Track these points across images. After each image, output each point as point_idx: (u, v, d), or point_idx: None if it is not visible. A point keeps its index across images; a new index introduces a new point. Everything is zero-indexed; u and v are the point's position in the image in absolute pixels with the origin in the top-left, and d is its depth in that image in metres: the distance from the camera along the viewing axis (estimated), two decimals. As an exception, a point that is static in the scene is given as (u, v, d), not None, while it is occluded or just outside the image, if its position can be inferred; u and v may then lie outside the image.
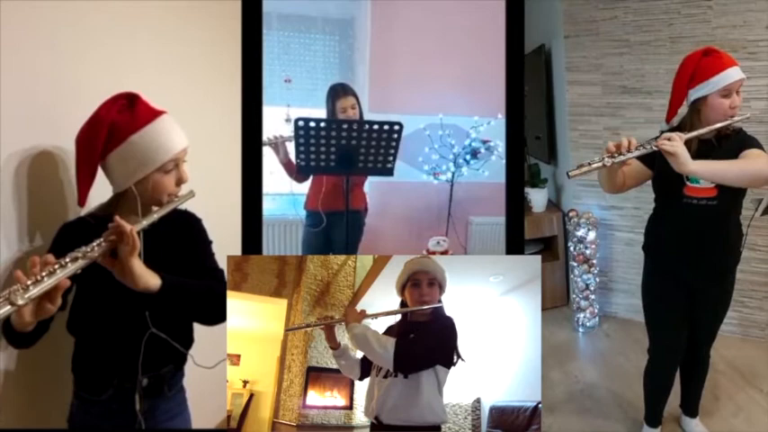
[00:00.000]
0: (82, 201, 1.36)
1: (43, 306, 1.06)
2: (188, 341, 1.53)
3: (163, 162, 1.35)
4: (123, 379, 1.41)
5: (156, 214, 1.31)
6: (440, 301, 1.57)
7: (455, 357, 1.52)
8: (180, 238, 1.47)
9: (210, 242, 1.54)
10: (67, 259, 1.08)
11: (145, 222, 1.27)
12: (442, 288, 1.60)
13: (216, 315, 1.43)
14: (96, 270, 1.19)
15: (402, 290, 1.62)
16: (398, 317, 1.63)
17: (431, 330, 1.52)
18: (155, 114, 1.38)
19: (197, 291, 1.38)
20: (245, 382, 4.22)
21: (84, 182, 1.35)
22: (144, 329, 1.38)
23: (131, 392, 1.41)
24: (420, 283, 1.56)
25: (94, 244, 1.14)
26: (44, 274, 1.03)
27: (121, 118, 1.33)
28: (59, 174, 1.56)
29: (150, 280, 1.24)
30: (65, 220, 1.44)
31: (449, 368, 1.52)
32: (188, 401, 1.59)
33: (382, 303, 1.81)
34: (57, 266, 1.06)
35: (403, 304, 1.62)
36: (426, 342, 1.50)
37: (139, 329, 1.38)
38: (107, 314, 1.37)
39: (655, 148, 1.65)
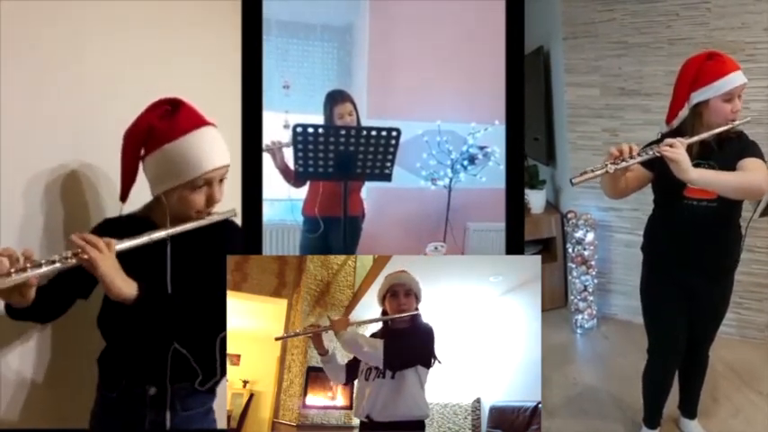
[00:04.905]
0: (123, 197, 1.35)
1: (15, 296, 1.08)
2: (212, 359, 1.46)
3: (190, 178, 1.29)
4: (132, 383, 1.39)
5: (166, 231, 1.29)
6: (417, 309, 1.78)
7: (433, 360, 1.73)
8: (210, 248, 1.39)
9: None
10: (42, 260, 1.09)
11: (146, 238, 1.25)
12: (417, 298, 1.79)
13: (206, 332, 1.38)
14: (125, 268, 1.20)
15: (383, 300, 1.81)
16: (380, 325, 1.82)
17: (412, 335, 1.74)
18: (194, 126, 1.31)
19: (182, 307, 1.31)
20: (245, 382, 4.22)
21: (126, 179, 1.34)
22: (160, 337, 1.35)
23: (138, 398, 1.40)
24: (398, 294, 1.77)
25: (69, 253, 1.13)
26: (12, 270, 1.05)
27: (161, 125, 1.29)
28: (95, 182, 1.57)
29: (124, 289, 1.19)
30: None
31: (428, 368, 1.73)
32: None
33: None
34: (28, 265, 1.07)
35: (384, 313, 1.82)
36: (409, 344, 1.72)
37: (156, 336, 1.35)
38: (127, 315, 1.33)
39: (657, 155, 1.65)
